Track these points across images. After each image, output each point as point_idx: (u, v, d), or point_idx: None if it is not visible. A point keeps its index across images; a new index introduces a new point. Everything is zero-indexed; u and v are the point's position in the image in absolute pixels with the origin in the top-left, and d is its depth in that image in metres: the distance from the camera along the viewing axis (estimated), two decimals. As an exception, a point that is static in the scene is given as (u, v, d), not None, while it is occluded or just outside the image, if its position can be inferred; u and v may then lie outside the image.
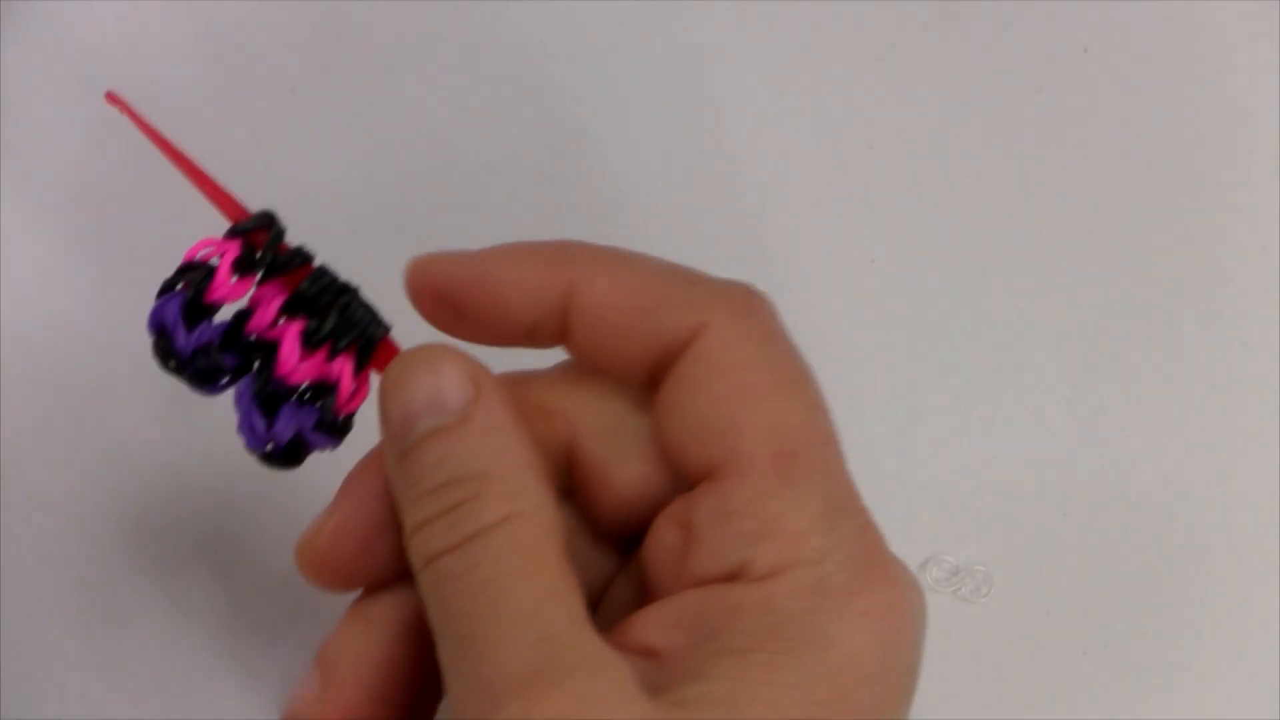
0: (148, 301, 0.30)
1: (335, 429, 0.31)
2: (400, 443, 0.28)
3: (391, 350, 0.30)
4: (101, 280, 0.44)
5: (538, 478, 0.28)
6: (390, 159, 0.46)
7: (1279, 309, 0.45)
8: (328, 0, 0.47)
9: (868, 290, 0.45)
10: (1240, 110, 0.46)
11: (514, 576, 0.26)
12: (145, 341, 0.30)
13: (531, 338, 0.30)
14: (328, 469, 0.31)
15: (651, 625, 0.27)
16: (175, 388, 0.30)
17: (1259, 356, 0.45)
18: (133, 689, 0.40)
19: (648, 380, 0.29)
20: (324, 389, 0.30)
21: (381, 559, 0.30)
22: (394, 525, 0.29)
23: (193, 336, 0.30)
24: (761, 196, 0.46)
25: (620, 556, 0.31)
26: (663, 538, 0.28)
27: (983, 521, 0.43)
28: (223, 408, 0.31)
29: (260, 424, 0.30)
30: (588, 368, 0.30)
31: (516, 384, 0.30)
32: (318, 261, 0.31)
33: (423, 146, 0.46)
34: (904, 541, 0.29)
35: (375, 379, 0.30)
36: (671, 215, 0.46)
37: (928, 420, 0.44)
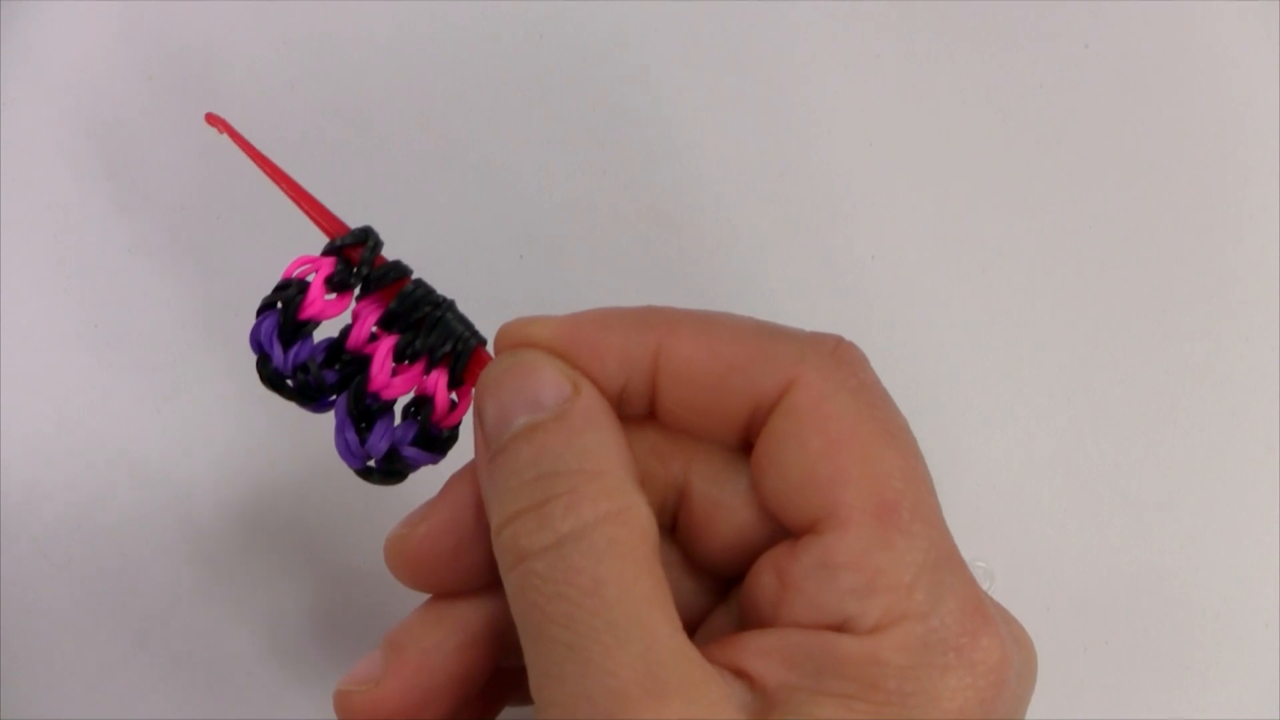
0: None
1: (435, 443, 0.30)
2: (494, 442, 0.28)
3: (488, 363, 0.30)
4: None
5: (633, 478, 0.27)
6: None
7: (1279, 306, 0.45)
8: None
9: (868, 289, 0.45)
10: (1240, 108, 0.46)
11: (615, 582, 0.25)
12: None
13: (621, 405, 0.29)
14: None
15: (749, 650, 0.27)
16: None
17: (1259, 353, 0.45)
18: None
19: (740, 440, 0.29)
20: (423, 403, 0.30)
21: (470, 568, 0.29)
22: (486, 536, 0.28)
23: (289, 355, 0.29)
24: (761, 195, 0.46)
25: (718, 594, 0.30)
26: (763, 583, 0.28)
27: (983, 518, 0.43)
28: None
29: (353, 439, 0.30)
30: (680, 432, 0.30)
31: (634, 424, 0.29)
32: (415, 276, 0.30)
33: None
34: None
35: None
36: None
37: (928, 418, 0.44)
